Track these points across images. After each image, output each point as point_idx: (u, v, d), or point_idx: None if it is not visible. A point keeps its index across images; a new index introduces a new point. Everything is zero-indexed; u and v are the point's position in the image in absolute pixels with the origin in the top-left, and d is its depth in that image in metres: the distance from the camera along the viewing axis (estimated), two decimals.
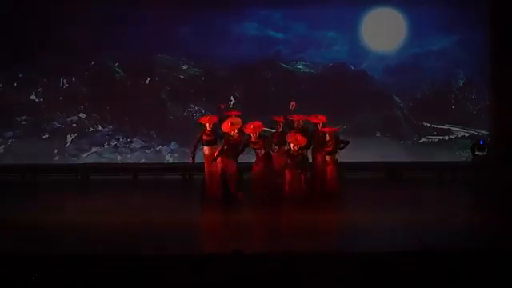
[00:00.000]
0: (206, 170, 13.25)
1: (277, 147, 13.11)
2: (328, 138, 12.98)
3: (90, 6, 16.31)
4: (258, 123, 12.96)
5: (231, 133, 12.69)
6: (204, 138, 13.12)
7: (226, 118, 13.17)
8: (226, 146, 12.74)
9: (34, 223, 11.21)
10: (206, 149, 13.19)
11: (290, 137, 12.68)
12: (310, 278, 8.36)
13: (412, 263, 8.61)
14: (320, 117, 13.33)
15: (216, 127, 13.17)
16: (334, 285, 8.42)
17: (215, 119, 13.35)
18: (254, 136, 12.82)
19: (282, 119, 13.28)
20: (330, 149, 12.95)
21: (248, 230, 11.09)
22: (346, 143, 13.20)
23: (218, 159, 12.81)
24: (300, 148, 12.52)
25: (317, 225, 11.22)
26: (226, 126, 12.74)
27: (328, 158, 12.95)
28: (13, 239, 9.99)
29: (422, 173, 16.34)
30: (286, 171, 12.67)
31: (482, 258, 8.78)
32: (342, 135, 13.81)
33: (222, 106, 13.63)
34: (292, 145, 12.54)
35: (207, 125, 13.18)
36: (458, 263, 8.63)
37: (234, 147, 12.80)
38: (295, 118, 13.20)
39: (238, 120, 12.86)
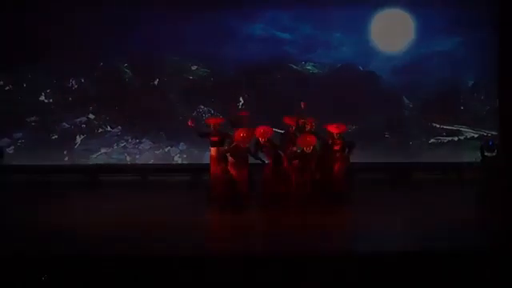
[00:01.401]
0: (211, 171, 13.30)
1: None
2: (335, 137, 12.99)
3: (100, 6, 16.37)
4: (268, 128, 12.98)
5: (242, 145, 12.69)
6: (211, 139, 13.20)
7: (239, 122, 13.26)
8: (230, 155, 12.75)
9: (44, 224, 11.25)
10: (213, 150, 13.28)
11: (301, 141, 12.70)
12: (310, 279, 8.40)
13: (419, 264, 8.64)
14: (341, 126, 13.21)
15: (222, 129, 13.29)
16: (333, 285, 8.46)
17: (220, 120, 13.51)
18: (263, 141, 12.85)
19: (294, 123, 13.30)
20: (337, 147, 12.94)
21: (252, 231, 11.09)
22: (352, 145, 13.17)
23: (230, 169, 12.82)
24: (313, 147, 12.59)
25: (321, 226, 11.20)
26: (237, 136, 12.72)
27: (336, 156, 12.92)
28: (20, 240, 10.03)
29: (431, 173, 16.30)
30: (292, 172, 12.73)
31: (491, 258, 8.80)
32: (350, 136, 13.81)
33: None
34: (305, 148, 12.59)
35: (212, 125, 13.28)
36: (467, 263, 8.66)
37: (241, 156, 12.80)
38: (309, 121, 13.22)
39: (250, 134, 12.81)
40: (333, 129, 13.02)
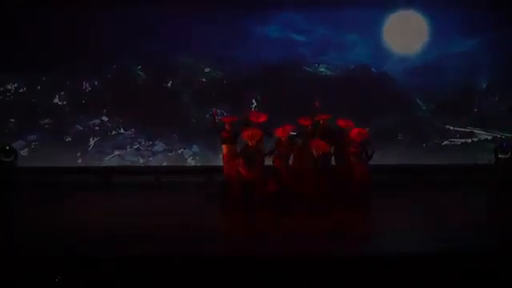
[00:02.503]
0: (224, 171, 13.31)
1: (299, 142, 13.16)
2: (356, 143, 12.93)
3: (113, 7, 16.42)
4: (287, 126, 13.00)
5: (249, 143, 12.72)
6: (223, 135, 13.24)
7: (250, 124, 13.24)
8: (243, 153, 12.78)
9: (55, 225, 11.29)
10: (224, 147, 13.30)
11: (313, 144, 12.70)
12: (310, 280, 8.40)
13: (430, 265, 8.61)
14: (363, 134, 13.16)
15: (235, 127, 13.30)
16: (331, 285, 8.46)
17: (235, 119, 13.53)
18: (283, 139, 12.88)
19: (309, 122, 13.30)
20: (355, 150, 12.88)
21: (262, 231, 11.05)
22: (371, 153, 13.08)
23: (240, 167, 12.81)
24: (323, 154, 12.58)
25: (331, 227, 11.17)
26: (245, 135, 12.77)
27: (353, 158, 12.86)
28: (34, 240, 10.05)
29: (445, 175, 16.22)
30: (307, 172, 12.70)
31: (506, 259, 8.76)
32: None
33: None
34: (315, 151, 12.59)
35: (226, 124, 13.33)
36: (485, 264, 8.63)
37: (251, 155, 12.79)
38: (323, 117, 13.24)
39: (259, 134, 12.83)
40: (355, 136, 12.93)
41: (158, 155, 17.14)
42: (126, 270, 8.70)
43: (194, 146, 17.08)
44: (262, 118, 13.42)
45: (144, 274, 8.64)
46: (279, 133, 12.95)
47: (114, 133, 17.15)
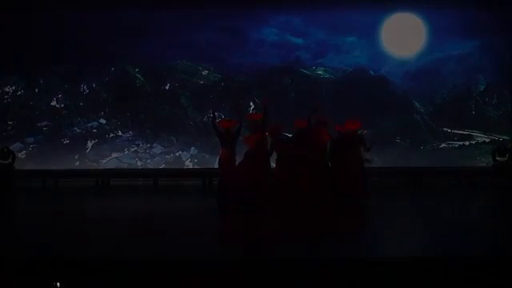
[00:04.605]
0: (222, 173, 13.27)
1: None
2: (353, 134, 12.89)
3: (113, 10, 16.45)
4: (277, 126, 12.91)
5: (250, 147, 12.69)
6: (221, 138, 13.19)
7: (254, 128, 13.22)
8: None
9: (54, 225, 11.27)
10: (222, 150, 13.24)
11: (314, 130, 12.60)
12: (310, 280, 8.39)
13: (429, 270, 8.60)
14: (356, 122, 13.13)
15: (234, 131, 13.24)
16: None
17: (232, 124, 13.45)
18: (272, 139, 12.80)
19: (305, 125, 13.23)
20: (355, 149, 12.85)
21: (261, 232, 11.03)
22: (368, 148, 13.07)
23: (242, 167, 12.78)
24: (321, 144, 12.50)
25: (330, 227, 11.16)
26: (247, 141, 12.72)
27: (350, 158, 12.81)
28: (33, 241, 10.04)
29: (443, 178, 16.24)
30: (302, 174, 12.63)
31: (505, 265, 8.75)
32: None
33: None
34: (315, 138, 12.48)
35: (224, 128, 13.27)
36: (481, 270, 8.62)
37: (254, 155, 12.77)
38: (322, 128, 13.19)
39: (257, 137, 12.79)
40: (350, 125, 12.87)
41: (156, 158, 17.14)
42: (126, 271, 8.68)
43: (192, 149, 17.08)
44: (257, 116, 13.41)
45: (144, 274, 8.62)
46: (270, 132, 12.81)
47: (111, 135, 17.17)
